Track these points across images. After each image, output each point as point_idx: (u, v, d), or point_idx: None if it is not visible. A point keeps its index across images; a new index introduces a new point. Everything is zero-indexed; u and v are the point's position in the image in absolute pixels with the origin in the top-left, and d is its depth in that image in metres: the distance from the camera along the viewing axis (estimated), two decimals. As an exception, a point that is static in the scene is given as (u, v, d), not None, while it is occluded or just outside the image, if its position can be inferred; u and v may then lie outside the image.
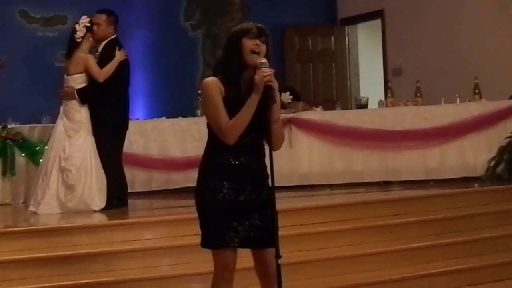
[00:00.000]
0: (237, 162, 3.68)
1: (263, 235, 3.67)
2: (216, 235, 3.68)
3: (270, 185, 3.68)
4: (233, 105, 3.62)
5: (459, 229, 6.45)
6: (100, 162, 6.99)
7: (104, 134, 7.07)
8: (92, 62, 7.10)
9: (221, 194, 3.67)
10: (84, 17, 7.22)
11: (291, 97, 8.89)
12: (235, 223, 3.65)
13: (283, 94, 9.35)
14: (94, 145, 7.02)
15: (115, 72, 7.09)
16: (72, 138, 6.99)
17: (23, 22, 10.41)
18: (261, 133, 3.69)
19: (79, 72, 7.11)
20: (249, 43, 3.64)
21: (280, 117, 3.76)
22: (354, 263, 5.78)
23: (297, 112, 8.77)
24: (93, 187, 6.90)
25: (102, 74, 7.04)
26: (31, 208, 6.97)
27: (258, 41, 3.65)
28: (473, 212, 6.75)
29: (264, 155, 3.75)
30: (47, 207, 6.85)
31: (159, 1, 11.28)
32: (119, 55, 7.15)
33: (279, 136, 3.74)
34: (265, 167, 3.76)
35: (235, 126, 3.62)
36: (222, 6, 11.78)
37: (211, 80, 3.68)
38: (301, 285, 5.37)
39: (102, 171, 6.99)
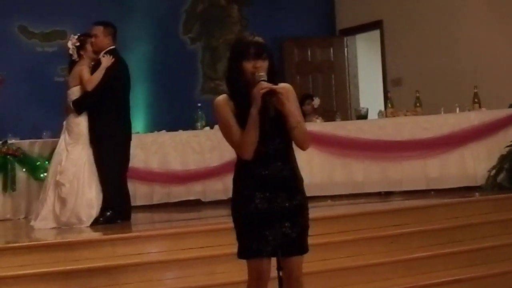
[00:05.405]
0: (267, 172, 3.67)
1: (292, 243, 3.68)
2: (249, 245, 3.69)
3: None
4: (245, 122, 3.62)
5: (461, 239, 6.44)
6: (93, 174, 6.93)
7: (103, 145, 6.99)
8: (84, 72, 7.05)
9: (253, 204, 3.68)
10: (72, 36, 7.24)
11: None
12: (267, 233, 3.65)
13: (314, 99, 9.62)
14: (90, 158, 6.96)
15: (107, 79, 6.99)
16: (69, 152, 6.95)
17: (23, 38, 10.44)
18: (286, 138, 3.69)
19: (76, 85, 7.09)
20: (248, 66, 3.64)
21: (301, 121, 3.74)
22: (355, 274, 5.77)
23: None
24: (84, 199, 6.85)
25: (90, 82, 6.98)
26: (32, 223, 7.00)
27: (257, 63, 3.64)
28: (474, 222, 6.75)
29: (294, 159, 3.77)
30: (44, 223, 6.87)
31: (158, 14, 11.31)
32: (104, 62, 7.04)
33: (303, 138, 3.72)
34: (298, 171, 3.78)
35: (245, 143, 3.63)
36: (221, 19, 11.81)
37: (221, 99, 3.72)
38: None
39: (96, 183, 6.93)
